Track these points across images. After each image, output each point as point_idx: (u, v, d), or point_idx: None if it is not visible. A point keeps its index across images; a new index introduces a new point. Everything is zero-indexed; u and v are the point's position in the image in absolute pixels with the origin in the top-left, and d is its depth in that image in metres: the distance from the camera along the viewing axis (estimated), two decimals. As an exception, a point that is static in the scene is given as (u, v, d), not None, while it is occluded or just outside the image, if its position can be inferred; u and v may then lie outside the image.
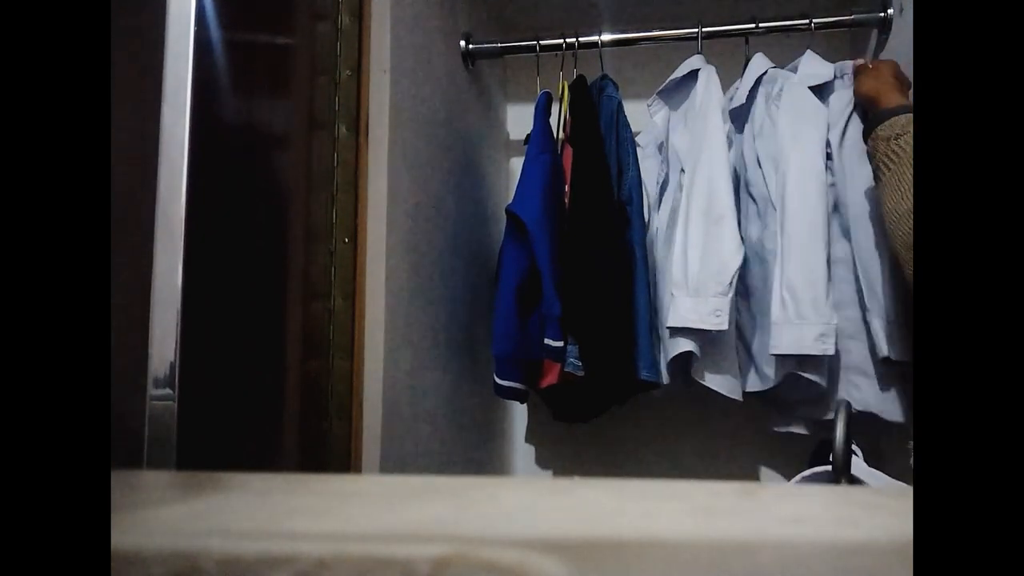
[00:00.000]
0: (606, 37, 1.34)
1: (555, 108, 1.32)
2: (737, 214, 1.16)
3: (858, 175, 1.12)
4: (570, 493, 0.32)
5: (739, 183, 1.24)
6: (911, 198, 0.82)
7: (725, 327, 1.10)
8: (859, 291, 1.13)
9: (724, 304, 1.10)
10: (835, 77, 1.20)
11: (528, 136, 1.30)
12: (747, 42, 1.31)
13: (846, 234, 1.15)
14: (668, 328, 1.14)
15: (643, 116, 1.39)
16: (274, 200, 0.84)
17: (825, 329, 1.07)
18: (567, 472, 1.67)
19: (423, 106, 1.14)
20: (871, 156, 0.95)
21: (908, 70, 1.04)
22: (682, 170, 1.22)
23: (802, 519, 0.28)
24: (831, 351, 1.07)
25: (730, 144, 1.24)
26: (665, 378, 1.20)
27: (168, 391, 0.64)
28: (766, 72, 1.24)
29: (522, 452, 1.69)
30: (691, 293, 1.13)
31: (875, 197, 1.08)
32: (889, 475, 0.82)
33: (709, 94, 1.22)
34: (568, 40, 1.34)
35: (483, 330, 1.39)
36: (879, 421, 1.13)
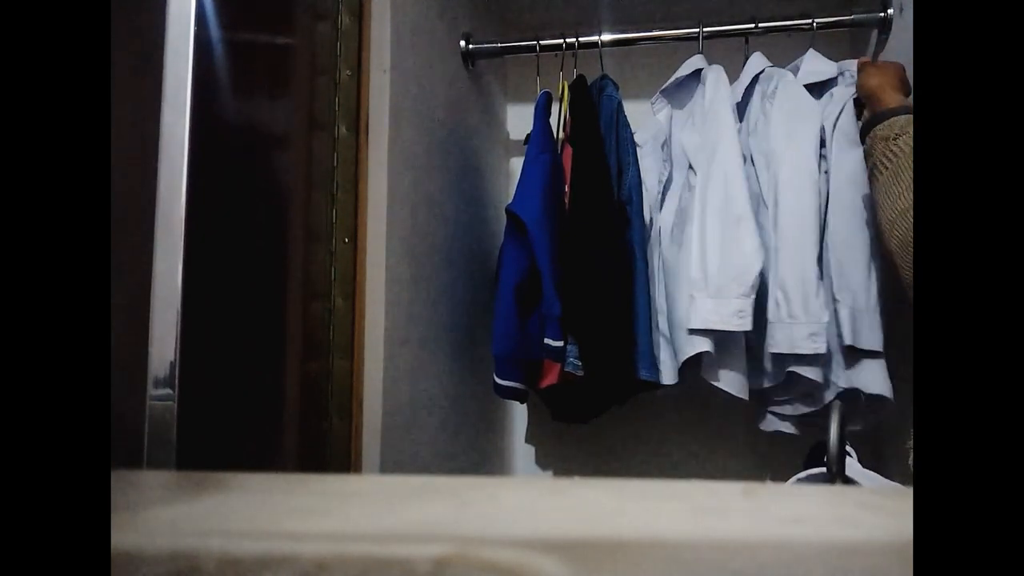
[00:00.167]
0: (606, 37, 1.34)
1: (555, 108, 1.32)
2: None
3: (841, 164, 1.13)
4: (570, 493, 0.32)
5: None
6: (908, 198, 0.82)
7: (749, 328, 1.10)
8: (829, 277, 1.13)
9: (747, 305, 1.10)
10: (837, 75, 1.20)
11: (528, 136, 1.30)
12: (747, 42, 1.31)
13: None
14: (689, 330, 1.13)
15: (643, 116, 1.39)
16: (274, 200, 0.84)
17: (816, 328, 1.07)
18: (567, 472, 1.67)
19: (423, 106, 1.14)
20: (867, 155, 0.95)
21: (908, 70, 1.04)
22: (691, 169, 1.22)
23: (802, 519, 0.28)
24: (822, 350, 1.07)
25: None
26: (674, 378, 1.20)
27: (168, 391, 0.64)
28: (763, 71, 1.24)
29: (522, 452, 1.70)
30: (712, 294, 1.12)
31: (865, 193, 1.09)
32: (888, 476, 0.82)
33: (719, 93, 1.21)
34: (568, 40, 1.35)
35: (483, 330, 1.39)
36: (869, 399, 1.13)
